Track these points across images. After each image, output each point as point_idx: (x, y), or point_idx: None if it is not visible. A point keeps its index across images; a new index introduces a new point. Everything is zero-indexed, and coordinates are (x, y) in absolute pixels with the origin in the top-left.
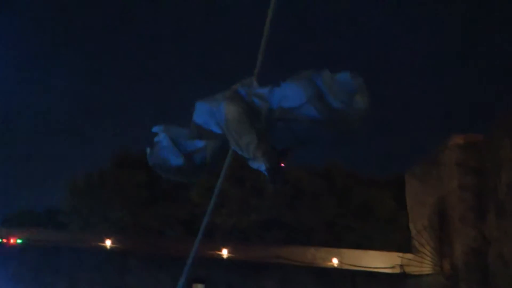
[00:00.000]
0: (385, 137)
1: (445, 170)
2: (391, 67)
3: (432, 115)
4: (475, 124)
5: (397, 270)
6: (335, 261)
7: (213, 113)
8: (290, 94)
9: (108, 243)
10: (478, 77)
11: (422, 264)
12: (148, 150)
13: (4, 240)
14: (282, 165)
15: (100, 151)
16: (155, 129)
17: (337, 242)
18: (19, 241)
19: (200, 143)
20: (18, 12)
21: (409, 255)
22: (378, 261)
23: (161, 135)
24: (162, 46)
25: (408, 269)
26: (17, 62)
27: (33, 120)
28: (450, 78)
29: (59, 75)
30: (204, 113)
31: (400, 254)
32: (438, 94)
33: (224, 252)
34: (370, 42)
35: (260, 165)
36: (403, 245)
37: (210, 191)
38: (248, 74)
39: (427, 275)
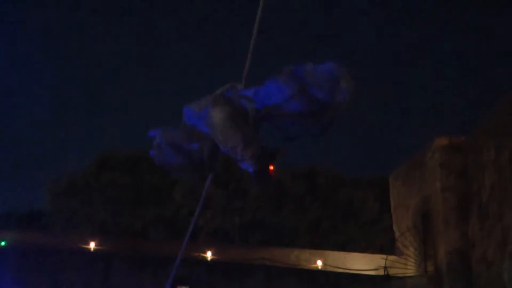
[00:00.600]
0: (369, 139)
1: (428, 172)
2: (374, 67)
3: (416, 117)
4: (459, 126)
5: (381, 272)
6: (319, 263)
7: (202, 116)
8: (273, 91)
9: (92, 245)
10: (462, 79)
11: (406, 266)
12: (151, 152)
13: None
14: (272, 167)
15: (84, 152)
16: (152, 133)
17: (321, 243)
18: (2, 243)
19: (195, 145)
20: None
21: (393, 257)
22: (362, 263)
23: (158, 139)
24: (149, 48)
25: (392, 271)
26: None
27: (15, 120)
28: (434, 80)
29: (42, 74)
30: (193, 116)
31: (384, 256)
32: (422, 96)
33: (208, 254)
34: (354, 42)
35: (248, 166)
36: (387, 246)
37: (193, 192)
38: (238, 76)
39: (411, 277)
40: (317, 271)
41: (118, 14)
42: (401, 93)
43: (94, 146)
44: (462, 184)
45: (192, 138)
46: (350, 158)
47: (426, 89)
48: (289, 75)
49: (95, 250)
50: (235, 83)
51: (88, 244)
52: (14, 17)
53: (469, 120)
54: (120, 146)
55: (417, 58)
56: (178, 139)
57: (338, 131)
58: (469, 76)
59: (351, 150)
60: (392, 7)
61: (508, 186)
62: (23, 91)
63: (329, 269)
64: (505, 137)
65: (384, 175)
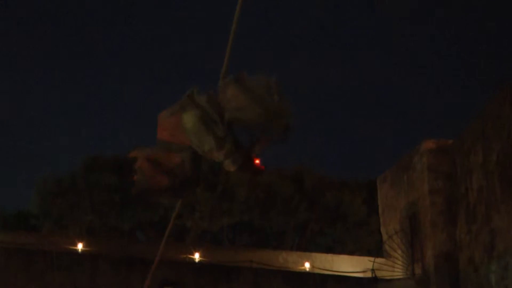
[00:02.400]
0: (356, 142)
1: (416, 175)
2: (362, 70)
3: (404, 120)
4: (447, 129)
5: (368, 274)
6: (307, 265)
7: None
8: (234, 100)
9: (79, 246)
10: (450, 83)
11: (393, 268)
12: (134, 180)
13: None
14: (257, 161)
15: (72, 154)
16: (131, 154)
17: (309, 246)
18: None
19: (177, 159)
20: None
21: (380, 259)
22: (349, 265)
23: (139, 160)
24: (139, 53)
25: (379, 273)
26: None
27: (3, 121)
28: (421, 83)
29: (29, 74)
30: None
31: (372, 259)
32: (410, 99)
33: (196, 256)
34: (346, 43)
35: (229, 166)
36: (375, 249)
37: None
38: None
39: (399, 279)
40: (305, 273)
41: (108, 18)
42: (389, 96)
43: (81, 148)
44: (450, 187)
45: (172, 151)
46: (337, 161)
47: (413, 92)
48: (234, 84)
49: (82, 251)
50: (196, 88)
51: (76, 245)
52: None
53: (457, 123)
54: (108, 148)
55: (405, 62)
56: (158, 156)
57: (325, 134)
58: (456, 80)
59: (338, 153)
60: (382, 10)
61: (495, 189)
62: (11, 92)
63: (316, 271)
64: (492, 140)
65: (372, 178)
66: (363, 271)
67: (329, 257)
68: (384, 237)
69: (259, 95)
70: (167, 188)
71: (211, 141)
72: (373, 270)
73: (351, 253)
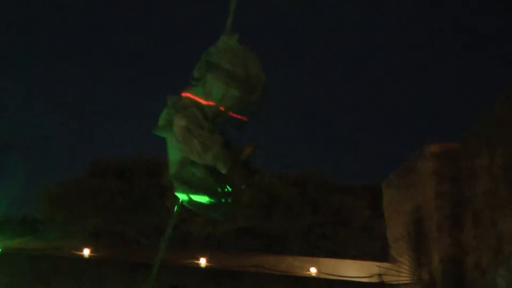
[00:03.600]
0: (361, 145)
1: (421, 178)
2: (368, 75)
3: (409, 123)
4: (451, 132)
5: (374, 279)
6: (312, 270)
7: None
8: (213, 88)
9: (85, 252)
10: (455, 85)
11: (399, 273)
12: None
13: None
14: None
15: (76, 159)
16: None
17: (313, 250)
18: None
19: (199, 173)
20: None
21: (386, 264)
22: (355, 270)
23: (180, 196)
24: (146, 55)
25: (385, 278)
26: None
27: (8, 126)
28: (425, 86)
29: (33, 80)
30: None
31: (378, 263)
32: (415, 102)
33: (201, 261)
34: (350, 45)
35: (221, 168)
36: (380, 253)
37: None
38: None
39: (405, 284)
40: (310, 279)
41: (113, 20)
42: (393, 100)
43: (86, 153)
44: (455, 191)
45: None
46: (341, 165)
47: (417, 95)
48: (212, 68)
49: (88, 257)
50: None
51: (82, 251)
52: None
53: (462, 126)
54: (112, 153)
55: (409, 65)
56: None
57: (329, 137)
58: (461, 82)
59: (342, 156)
60: (387, 9)
61: (501, 193)
62: (14, 98)
63: (322, 276)
64: (498, 143)
65: (376, 182)
66: (369, 276)
67: (334, 262)
68: (390, 241)
69: (234, 75)
70: (208, 204)
71: (197, 144)
72: (379, 275)
73: (355, 257)
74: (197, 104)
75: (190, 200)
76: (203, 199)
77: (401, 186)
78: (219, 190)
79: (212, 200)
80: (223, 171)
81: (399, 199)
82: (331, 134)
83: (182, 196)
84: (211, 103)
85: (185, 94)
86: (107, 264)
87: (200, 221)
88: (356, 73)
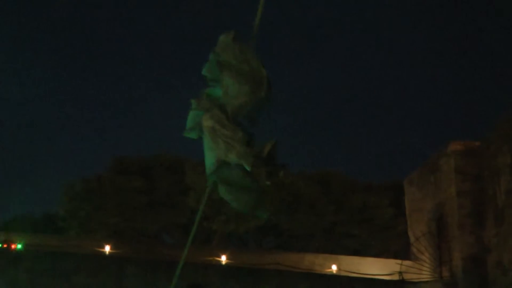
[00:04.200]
0: (384, 143)
1: (443, 176)
2: (389, 74)
3: (431, 121)
4: (474, 131)
5: (395, 277)
6: (333, 268)
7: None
8: (231, 88)
9: (107, 248)
10: (477, 84)
11: (420, 271)
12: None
13: (4, 245)
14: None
15: (98, 156)
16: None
17: (335, 248)
18: (18, 246)
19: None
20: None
21: (407, 262)
22: (376, 268)
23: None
24: (166, 51)
25: (406, 276)
26: (19, 62)
27: (31, 126)
28: (448, 85)
29: (59, 80)
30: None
31: (399, 261)
32: (437, 101)
33: (222, 258)
34: (369, 44)
35: (246, 164)
36: (401, 251)
37: (208, 196)
38: None
39: (426, 282)
40: (331, 276)
41: (135, 26)
42: (415, 98)
43: (108, 150)
44: (477, 189)
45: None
46: (364, 163)
47: (440, 94)
48: (223, 67)
49: (110, 253)
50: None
51: (103, 247)
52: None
53: (484, 125)
54: (134, 151)
55: (431, 63)
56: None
57: (351, 136)
58: (483, 81)
59: (365, 154)
60: (407, 8)
61: None
62: (39, 98)
63: (343, 273)
64: None
65: (398, 180)
66: (390, 274)
67: (355, 259)
68: (411, 239)
69: (241, 71)
70: (252, 202)
71: (221, 144)
72: (400, 272)
73: (377, 255)
74: (219, 104)
75: (235, 199)
76: (245, 198)
77: (423, 184)
78: (259, 188)
79: (255, 198)
80: (248, 169)
81: (421, 197)
82: (353, 132)
83: (226, 196)
84: (230, 101)
85: (206, 95)
86: (129, 261)
87: (222, 219)
88: (378, 73)
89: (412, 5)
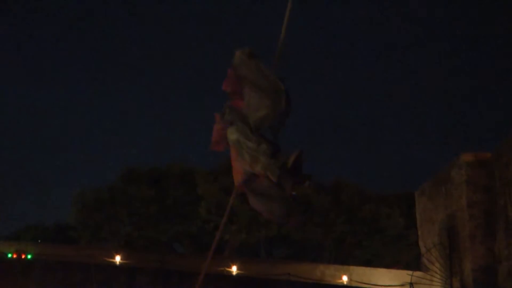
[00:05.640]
0: (394, 154)
1: (454, 187)
2: (400, 84)
3: (442, 132)
4: (484, 142)
5: None
6: (344, 279)
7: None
8: (256, 103)
9: (117, 258)
10: (488, 95)
11: (432, 282)
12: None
13: (14, 255)
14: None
15: (109, 166)
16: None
17: (346, 259)
18: (28, 256)
19: (264, 181)
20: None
21: (418, 273)
22: (387, 278)
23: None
24: (172, 62)
25: (417, 287)
26: (35, 71)
27: (42, 136)
28: (459, 96)
29: (72, 90)
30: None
31: (410, 272)
32: (448, 112)
33: (233, 269)
34: (381, 55)
35: (272, 174)
36: (413, 262)
37: (218, 207)
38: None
39: None
40: (343, 287)
41: (143, 33)
42: (426, 109)
43: (120, 160)
44: (488, 200)
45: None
46: (375, 173)
47: (451, 105)
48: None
49: (120, 264)
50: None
51: (114, 257)
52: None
53: (495, 136)
54: (145, 160)
55: (442, 74)
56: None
57: (363, 146)
58: (494, 92)
59: (376, 165)
60: (418, 19)
61: None
62: (47, 108)
63: (354, 284)
64: None
65: (410, 191)
66: (401, 285)
67: (367, 270)
68: (422, 250)
69: (260, 85)
70: (283, 211)
71: (247, 156)
72: (411, 283)
73: (389, 266)
74: (243, 117)
75: (266, 209)
76: (276, 207)
77: (434, 195)
78: (288, 197)
79: (285, 207)
80: (274, 179)
81: (432, 208)
82: (364, 142)
83: (257, 206)
84: (252, 114)
85: (228, 109)
86: (139, 271)
87: (234, 229)
88: (391, 83)
89: (420, 6)
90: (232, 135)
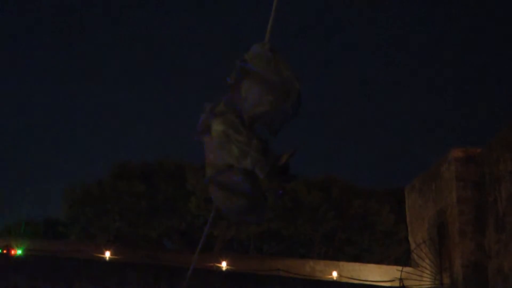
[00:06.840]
0: (384, 150)
1: (444, 183)
2: (391, 80)
3: (432, 128)
4: (475, 138)
5: (396, 284)
6: (334, 274)
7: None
8: (255, 98)
9: (107, 254)
10: (477, 92)
11: (421, 278)
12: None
13: (4, 251)
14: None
15: (99, 161)
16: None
17: (336, 255)
18: (18, 251)
19: (234, 176)
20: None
21: (408, 269)
22: (377, 274)
23: (210, 186)
24: (164, 58)
25: (407, 283)
26: (21, 65)
27: (32, 131)
28: (449, 92)
29: (61, 84)
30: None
31: (399, 268)
32: (439, 108)
33: (223, 264)
34: (373, 54)
35: (260, 173)
36: (402, 258)
37: (208, 203)
38: None
39: None
40: (332, 282)
41: (133, 30)
42: (417, 105)
43: (109, 155)
44: (478, 196)
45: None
46: (365, 169)
47: (441, 101)
48: (255, 78)
49: (110, 259)
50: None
51: (104, 253)
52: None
53: (485, 132)
54: (135, 156)
55: (432, 70)
56: (221, 177)
57: (353, 142)
58: (484, 89)
59: (366, 161)
60: (412, 16)
61: None
62: (38, 104)
63: (344, 280)
64: None
65: (400, 187)
66: (391, 281)
67: (356, 266)
68: (412, 246)
69: (268, 80)
70: (244, 208)
71: (235, 150)
72: (401, 279)
73: (378, 262)
74: (235, 110)
75: (226, 204)
76: (239, 203)
77: (424, 191)
78: (256, 194)
79: (248, 204)
80: (262, 176)
81: (422, 204)
82: (354, 138)
83: (217, 200)
84: (247, 108)
85: (222, 100)
86: (129, 266)
87: (223, 224)
88: (379, 78)
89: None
90: (218, 126)
